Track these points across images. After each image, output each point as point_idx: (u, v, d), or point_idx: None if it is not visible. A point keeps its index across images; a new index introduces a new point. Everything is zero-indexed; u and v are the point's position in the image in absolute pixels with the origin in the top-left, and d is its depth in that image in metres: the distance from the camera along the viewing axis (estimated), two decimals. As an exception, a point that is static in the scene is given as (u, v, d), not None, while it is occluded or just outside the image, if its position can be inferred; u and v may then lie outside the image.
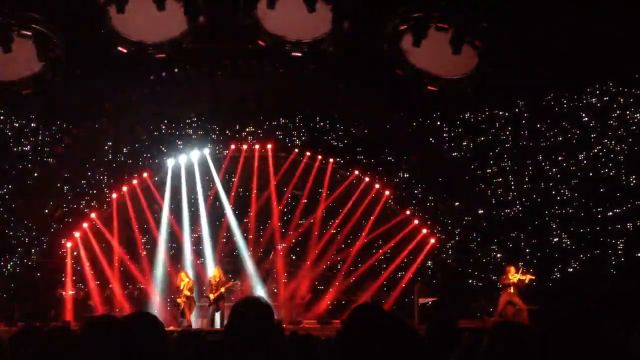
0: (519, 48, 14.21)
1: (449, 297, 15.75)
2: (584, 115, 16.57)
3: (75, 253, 16.14)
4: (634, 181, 15.70)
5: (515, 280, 14.08)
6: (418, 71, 14.74)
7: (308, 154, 17.65)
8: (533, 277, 14.38)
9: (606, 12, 12.81)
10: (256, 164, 17.39)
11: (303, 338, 4.80)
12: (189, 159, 17.15)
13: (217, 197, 17.42)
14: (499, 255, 17.12)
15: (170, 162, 17.06)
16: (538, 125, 17.18)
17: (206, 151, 17.27)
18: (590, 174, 16.28)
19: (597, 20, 12.99)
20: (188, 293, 14.73)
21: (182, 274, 15.09)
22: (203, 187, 17.26)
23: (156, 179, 17.18)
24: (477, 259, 17.28)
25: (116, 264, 16.35)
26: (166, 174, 17.05)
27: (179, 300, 14.71)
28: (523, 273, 14.25)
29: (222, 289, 14.62)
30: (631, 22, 12.92)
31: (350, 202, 17.42)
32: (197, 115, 17.80)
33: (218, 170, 17.36)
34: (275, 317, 3.37)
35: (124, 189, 16.68)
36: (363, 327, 2.57)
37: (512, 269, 14.28)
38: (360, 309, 2.71)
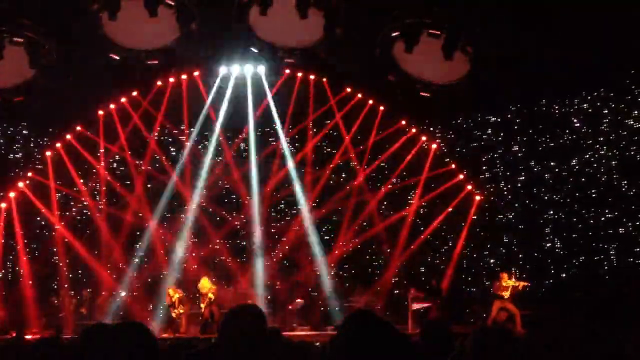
0: (510, 54, 14.26)
1: (442, 303, 15.74)
2: (575, 120, 16.66)
3: (68, 260, 16.14)
4: (626, 186, 15.77)
5: (509, 287, 14.08)
6: (410, 77, 14.77)
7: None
8: (526, 284, 14.41)
9: (597, 18, 12.89)
10: None
11: (297, 345, 4.78)
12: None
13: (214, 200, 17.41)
14: (492, 260, 17.15)
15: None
16: (530, 131, 17.26)
17: None
18: (583, 179, 16.35)
19: (588, 26, 13.06)
20: (183, 309, 14.37)
21: (170, 290, 14.52)
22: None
23: (151, 185, 17.16)
24: (470, 264, 17.30)
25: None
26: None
27: (173, 313, 14.41)
28: (516, 280, 14.27)
29: (210, 295, 14.25)
30: (622, 28, 13.00)
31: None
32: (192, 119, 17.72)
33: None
34: (269, 324, 3.34)
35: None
36: (357, 333, 2.57)
37: (505, 276, 14.29)
38: (354, 315, 2.71)
